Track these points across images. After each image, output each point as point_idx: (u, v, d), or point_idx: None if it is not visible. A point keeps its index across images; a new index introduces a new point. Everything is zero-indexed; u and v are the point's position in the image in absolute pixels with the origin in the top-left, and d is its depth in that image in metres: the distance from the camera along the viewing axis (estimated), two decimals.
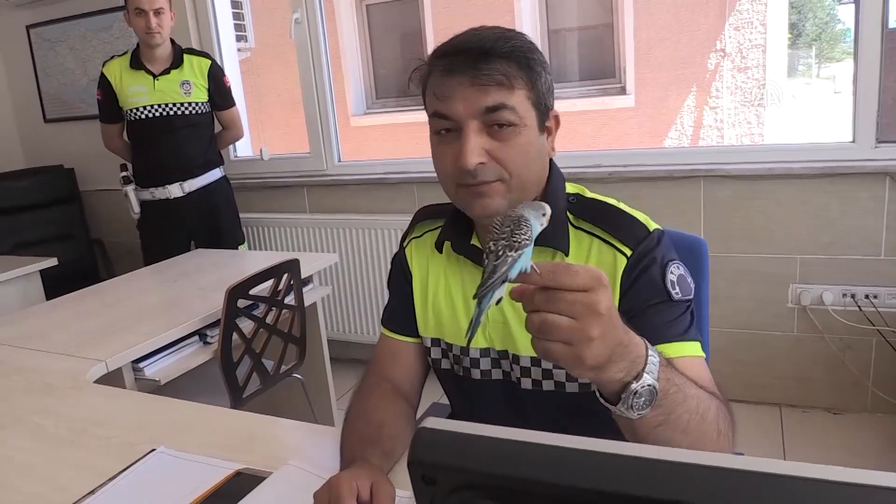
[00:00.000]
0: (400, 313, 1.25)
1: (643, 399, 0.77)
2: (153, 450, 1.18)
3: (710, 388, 0.92)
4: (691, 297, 1.03)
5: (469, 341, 0.91)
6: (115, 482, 1.09)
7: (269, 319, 2.17)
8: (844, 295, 2.63)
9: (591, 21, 5.37)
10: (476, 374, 1.16)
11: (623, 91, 5.38)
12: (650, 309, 0.99)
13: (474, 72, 0.98)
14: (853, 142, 2.58)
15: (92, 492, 1.07)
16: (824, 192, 2.60)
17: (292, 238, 3.50)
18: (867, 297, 2.60)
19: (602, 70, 5.44)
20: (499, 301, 0.77)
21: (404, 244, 1.28)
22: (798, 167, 2.60)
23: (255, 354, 2.14)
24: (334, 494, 0.89)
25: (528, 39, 1.04)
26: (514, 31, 1.04)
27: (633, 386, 0.76)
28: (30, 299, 2.87)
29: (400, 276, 1.27)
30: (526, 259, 0.74)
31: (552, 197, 1.07)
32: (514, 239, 0.75)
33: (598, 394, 0.82)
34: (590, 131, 5.44)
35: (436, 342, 1.21)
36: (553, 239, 1.04)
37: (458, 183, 1.03)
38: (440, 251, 1.18)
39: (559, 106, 1.09)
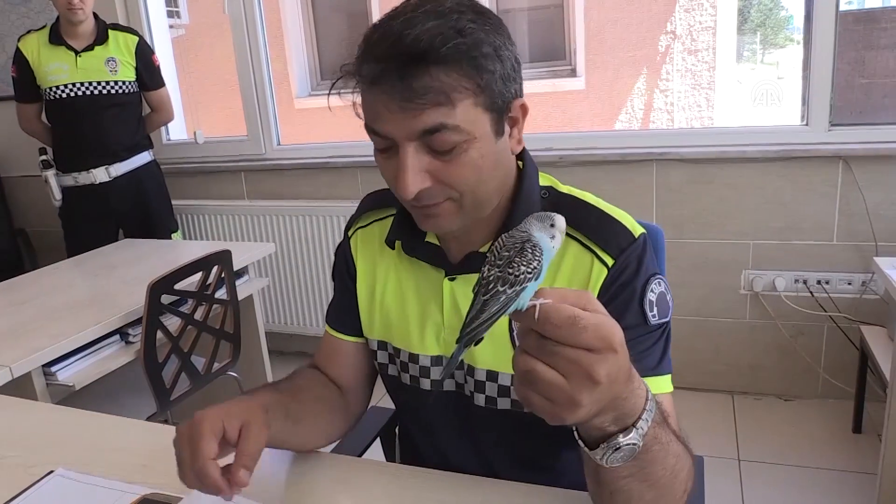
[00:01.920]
0: (343, 310, 1.12)
1: (621, 454, 0.67)
2: (51, 472, 1.03)
3: (677, 430, 0.83)
4: (668, 319, 0.92)
5: (443, 379, 0.80)
6: None
7: (198, 315, 2.02)
8: (797, 281, 2.60)
9: (542, 1, 5.27)
10: (426, 383, 1.03)
11: (573, 73, 5.30)
12: (624, 333, 0.88)
13: (403, 91, 0.79)
14: (806, 125, 2.53)
15: None
16: (778, 175, 2.55)
17: (230, 225, 3.33)
18: (819, 282, 2.57)
19: (552, 52, 5.35)
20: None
21: (349, 233, 1.14)
22: (752, 150, 2.54)
23: (182, 353, 1.98)
24: (195, 432, 0.78)
25: (476, 23, 0.81)
26: (457, 9, 0.81)
27: (618, 440, 0.66)
28: None
29: (343, 269, 1.13)
30: (526, 296, 0.61)
31: (524, 200, 0.94)
32: (511, 271, 0.61)
33: (576, 433, 0.71)
34: (540, 114, 5.35)
35: (382, 345, 1.09)
36: None
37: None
38: (392, 247, 1.05)
39: None
